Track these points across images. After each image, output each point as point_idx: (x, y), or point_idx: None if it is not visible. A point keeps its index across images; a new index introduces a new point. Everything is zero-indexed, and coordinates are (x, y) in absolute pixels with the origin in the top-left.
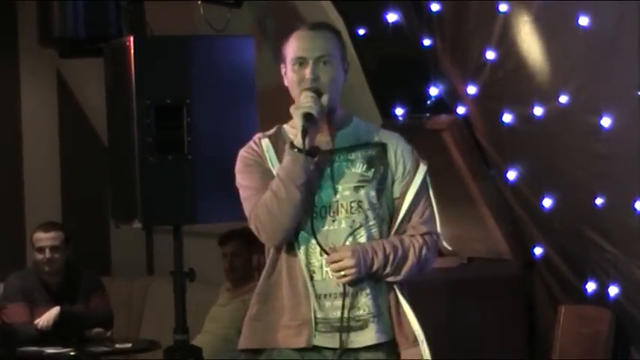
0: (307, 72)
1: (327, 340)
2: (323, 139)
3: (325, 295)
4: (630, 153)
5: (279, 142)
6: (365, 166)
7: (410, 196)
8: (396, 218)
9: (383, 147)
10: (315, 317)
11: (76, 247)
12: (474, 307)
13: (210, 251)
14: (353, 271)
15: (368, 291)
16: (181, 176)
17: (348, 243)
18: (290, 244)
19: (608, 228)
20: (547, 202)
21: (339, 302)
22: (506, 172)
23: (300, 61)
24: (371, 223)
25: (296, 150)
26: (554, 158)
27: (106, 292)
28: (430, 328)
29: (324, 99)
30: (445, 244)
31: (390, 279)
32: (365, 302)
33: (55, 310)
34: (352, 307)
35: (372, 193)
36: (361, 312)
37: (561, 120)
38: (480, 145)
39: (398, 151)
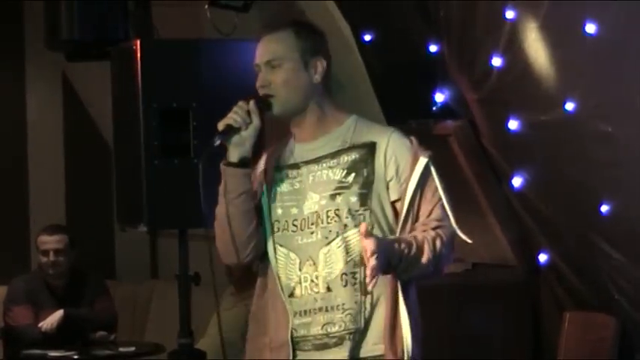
0: (258, 79)
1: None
2: (306, 147)
3: (304, 312)
4: (638, 160)
5: (276, 153)
6: (345, 171)
7: (409, 195)
8: (399, 221)
9: (371, 148)
10: (294, 336)
11: (81, 250)
12: (479, 313)
13: (215, 255)
14: (376, 269)
15: (346, 306)
16: (187, 180)
17: (322, 254)
18: (270, 261)
19: (615, 235)
20: (552, 209)
21: (318, 317)
22: (512, 178)
23: (257, 69)
24: (350, 232)
25: (224, 163)
26: (560, 165)
27: (111, 295)
28: (435, 333)
29: (275, 103)
30: (463, 236)
31: (404, 276)
32: (341, 318)
33: (59, 313)
34: (328, 322)
35: (353, 200)
36: (337, 328)
37: (568, 126)
38: (486, 151)
39: (388, 149)
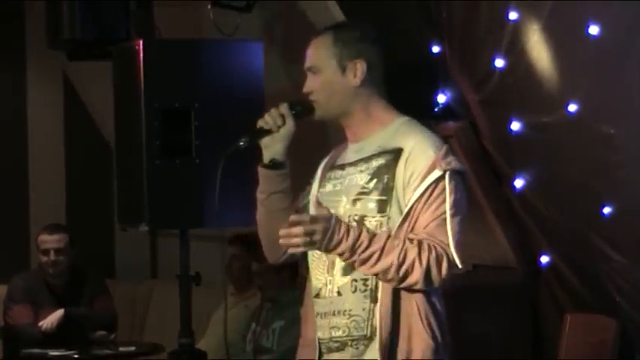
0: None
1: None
2: (353, 148)
3: (324, 314)
4: (639, 162)
5: (335, 153)
6: (369, 177)
7: (410, 202)
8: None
9: (397, 153)
10: (318, 337)
11: (81, 249)
12: (480, 315)
13: (215, 255)
14: (315, 241)
15: (353, 312)
16: (189, 180)
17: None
18: (308, 261)
19: (616, 237)
20: (553, 210)
21: (336, 320)
22: (514, 180)
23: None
24: None
25: (259, 164)
26: (562, 166)
27: (111, 295)
28: None
29: (317, 108)
30: (457, 261)
31: (363, 271)
32: (346, 323)
33: (59, 312)
34: (333, 326)
35: (371, 206)
36: (340, 333)
37: (570, 128)
38: (488, 153)
39: (411, 155)
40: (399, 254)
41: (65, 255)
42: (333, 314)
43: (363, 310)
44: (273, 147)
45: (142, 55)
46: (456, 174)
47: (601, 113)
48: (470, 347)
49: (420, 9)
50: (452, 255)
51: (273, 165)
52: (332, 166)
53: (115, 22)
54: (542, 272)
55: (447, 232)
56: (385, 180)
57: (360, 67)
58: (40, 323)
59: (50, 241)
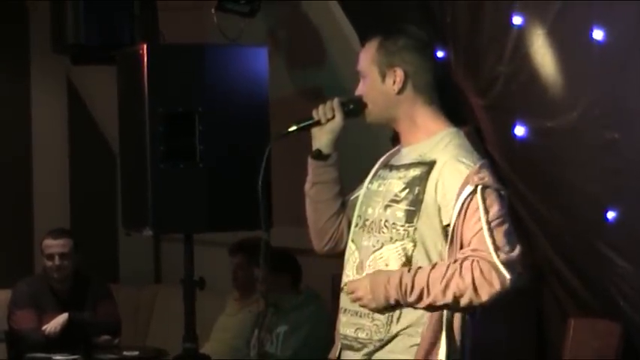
0: None
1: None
2: (402, 152)
3: (347, 310)
4: None
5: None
6: (403, 185)
7: (452, 222)
8: (446, 247)
9: (430, 166)
10: (343, 333)
11: (85, 254)
12: (483, 319)
13: (219, 260)
14: (367, 304)
15: (375, 316)
16: (193, 184)
17: (368, 262)
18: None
19: (620, 242)
20: (557, 215)
21: (352, 320)
22: (518, 185)
23: None
24: (394, 245)
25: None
26: (565, 171)
27: (115, 300)
28: None
29: (366, 111)
30: (503, 270)
31: (423, 309)
32: (369, 327)
33: (63, 317)
34: (359, 327)
35: (399, 215)
36: (364, 335)
37: (574, 133)
38: (492, 157)
39: (441, 172)
40: (442, 280)
41: (70, 260)
42: (359, 315)
43: (384, 314)
44: (320, 138)
45: (146, 59)
46: (489, 189)
47: (605, 118)
48: (473, 351)
49: (423, 14)
50: (498, 266)
51: (318, 155)
52: (385, 165)
53: (120, 26)
54: (546, 276)
55: (485, 244)
56: (416, 192)
57: (398, 75)
58: (44, 327)
59: (55, 245)
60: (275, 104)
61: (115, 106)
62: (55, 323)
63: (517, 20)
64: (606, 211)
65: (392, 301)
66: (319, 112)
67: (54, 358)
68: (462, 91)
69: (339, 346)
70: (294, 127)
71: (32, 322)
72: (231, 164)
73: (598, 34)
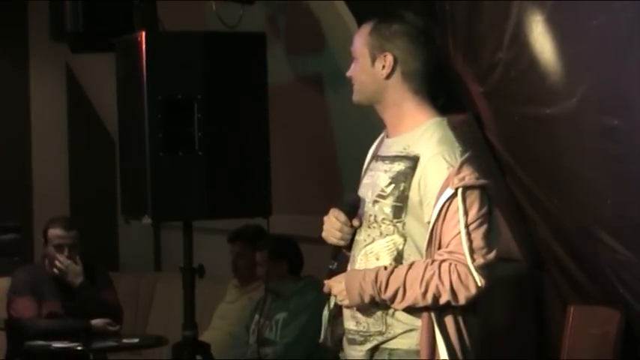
0: None
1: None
2: (387, 142)
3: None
4: None
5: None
6: (389, 180)
7: (431, 223)
8: (425, 245)
9: (415, 162)
10: (346, 327)
11: (85, 242)
12: (483, 307)
13: (218, 247)
14: (345, 300)
15: (371, 309)
16: (192, 172)
17: (359, 257)
18: None
19: (620, 229)
20: (557, 202)
21: (351, 313)
22: (517, 172)
23: None
24: (384, 239)
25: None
26: (565, 158)
27: (115, 288)
28: None
29: (353, 93)
30: (477, 277)
31: (397, 307)
32: (365, 320)
33: (80, 272)
34: (358, 321)
35: (387, 211)
36: (361, 327)
37: (574, 120)
38: (491, 145)
39: (424, 170)
40: (421, 283)
41: (77, 251)
42: (355, 308)
43: (379, 308)
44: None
45: (144, 47)
46: (470, 189)
47: (605, 105)
48: (474, 344)
49: (423, 0)
50: (472, 272)
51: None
52: (374, 156)
53: (118, 14)
54: (546, 264)
55: (462, 246)
56: (402, 188)
57: (388, 60)
58: (59, 262)
59: (66, 237)
60: (274, 91)
61: (114, 93)
62: (75, 269)
63: (516, 7)
64: (606, 198)
65: (366, 298)
66: (337, 238)
67: (54, 345)
68: (461, 78)
69: (345, 342)
70: (335, 264)
71: (32, 310)
72: (230, 151)
73: (597, 20)
